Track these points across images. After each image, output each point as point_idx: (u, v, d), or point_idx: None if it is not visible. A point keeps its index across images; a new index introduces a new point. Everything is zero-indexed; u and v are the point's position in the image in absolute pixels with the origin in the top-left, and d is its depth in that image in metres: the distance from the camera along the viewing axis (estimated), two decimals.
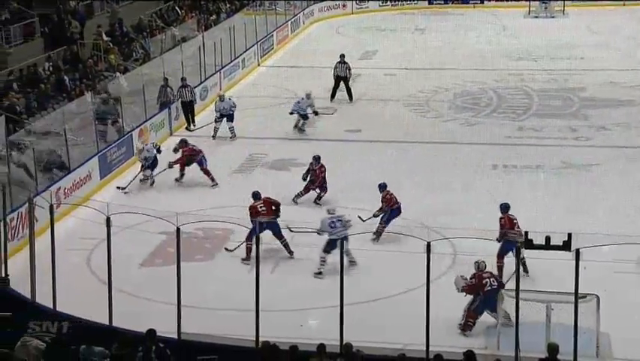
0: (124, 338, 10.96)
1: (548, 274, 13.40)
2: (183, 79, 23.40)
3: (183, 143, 19.04)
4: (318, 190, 17.65)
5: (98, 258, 14.40)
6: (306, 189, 17.66)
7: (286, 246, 15.02)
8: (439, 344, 11.10)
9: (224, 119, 22.03)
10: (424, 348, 10.82)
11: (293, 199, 17.47)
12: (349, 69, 25.51)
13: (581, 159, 20.13)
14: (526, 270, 13.35)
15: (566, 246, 10.68)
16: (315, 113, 23.06)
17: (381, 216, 15.90)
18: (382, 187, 16.08)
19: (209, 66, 26.34)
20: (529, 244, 11.11)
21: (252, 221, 14.23)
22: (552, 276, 13.08)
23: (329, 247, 14.22)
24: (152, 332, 10.72)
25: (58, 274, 12.07)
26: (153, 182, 19.00)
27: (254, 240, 12.49)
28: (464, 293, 12.60)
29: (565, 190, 18.26)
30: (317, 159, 17.68)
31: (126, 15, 30.34)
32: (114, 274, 11.96)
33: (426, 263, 10.89)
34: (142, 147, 19.29)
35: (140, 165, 19.13)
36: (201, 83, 25.28)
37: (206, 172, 18.90)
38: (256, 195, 15.43)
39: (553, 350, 10.50)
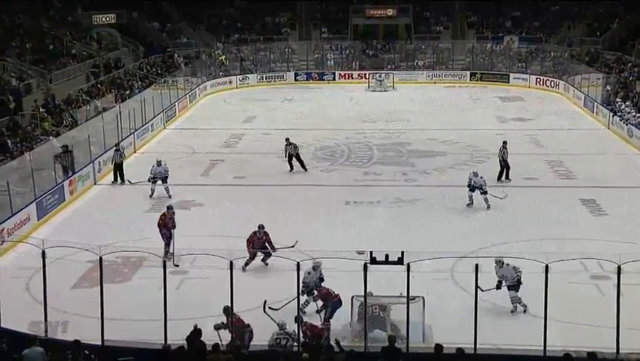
0: (55, 346, 10.51)
1: (387, 282, 13.60)
2: (117, 144, 22.59)
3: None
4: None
5: (36, 283, 13.73)
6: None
7: None
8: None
9: (160, 180, 20.54)
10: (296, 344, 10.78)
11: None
12: (296, 147, 23.14)
13: (409, 195, 20.57)
14: None
15: (399, 261, 10.86)
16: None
17: None
18: (260, 227, 15.25)
19: (125, 129, 25.73)
20: (373, 261, 11.23)
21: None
22: (390, 284, 13.30)
23: None
24: (77, 342, 10.32)
25: (3, 297, 11.48)
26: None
27: None
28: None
29: (398, 219, 18.62)
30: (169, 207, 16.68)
31: (57, 91, 29.48)
32: (50, 296, 11.47)
33: (296, 277, 10.93)
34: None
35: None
36: (119, 142, 24.64)
37: None
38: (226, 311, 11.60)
39: (391, 340, 10.66)
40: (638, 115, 27.31)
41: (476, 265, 10.81)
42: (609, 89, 32.52)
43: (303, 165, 23.14)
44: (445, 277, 14.11)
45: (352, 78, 42.02)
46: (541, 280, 10.71)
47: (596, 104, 31.43)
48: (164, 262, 11.09)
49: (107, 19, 41.60)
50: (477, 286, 10.97)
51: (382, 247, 12.23)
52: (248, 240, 15.13)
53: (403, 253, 10.72)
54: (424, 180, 22.30)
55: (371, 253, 10.97)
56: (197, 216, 18.76)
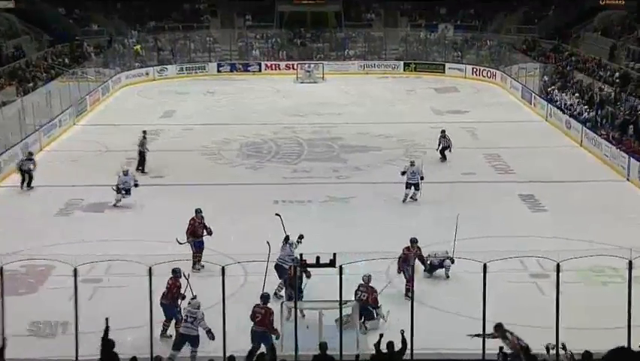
0: None
1: (318, 286, 13.67)
2: (30, 153, 21.63)
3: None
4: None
5: None
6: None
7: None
8: (235, 348, 11.04)
9: (124, 191, 19.39)
10: (222, 353, 10.73)
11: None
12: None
13: (341, 193, 20.68)
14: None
15: (332, 263, 10.92)
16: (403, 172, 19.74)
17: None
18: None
19: (29, 126, 25.07)
20: (304, 264, 11.29)
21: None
22: (321, 287, 13.37)
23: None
24: None
25: None
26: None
27: None
28: None
29: (330, 218, 18.68)
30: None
31: None
32: None
33: (221, 283, 10.87)
34: None
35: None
36: (22, 140, 23.96)
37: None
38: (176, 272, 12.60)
39: (323, 347, 10.68)
40: (580, 103, 28.12)
41: (412, 267, 10.96)
42: (547, 79, 33.52)
43: (143, 165, 22.58)
44: (381, 279, 14.22)
45: (279, 69, 42.01)
46: (479, 279, 10.92)
47: (533, 95, 32.33)
48: (75, 271, 10.79)
49: (4, 3, 40.16)
50: (412, 296, 11.05)
51: (313, 248, 12.26)
52: (401, 259, 14.01)
53: (334, 254, 10.76)
54: (356, 177, 22.47)
55: (301, 255, 10.99)
56: (112, 219, 18.39)
